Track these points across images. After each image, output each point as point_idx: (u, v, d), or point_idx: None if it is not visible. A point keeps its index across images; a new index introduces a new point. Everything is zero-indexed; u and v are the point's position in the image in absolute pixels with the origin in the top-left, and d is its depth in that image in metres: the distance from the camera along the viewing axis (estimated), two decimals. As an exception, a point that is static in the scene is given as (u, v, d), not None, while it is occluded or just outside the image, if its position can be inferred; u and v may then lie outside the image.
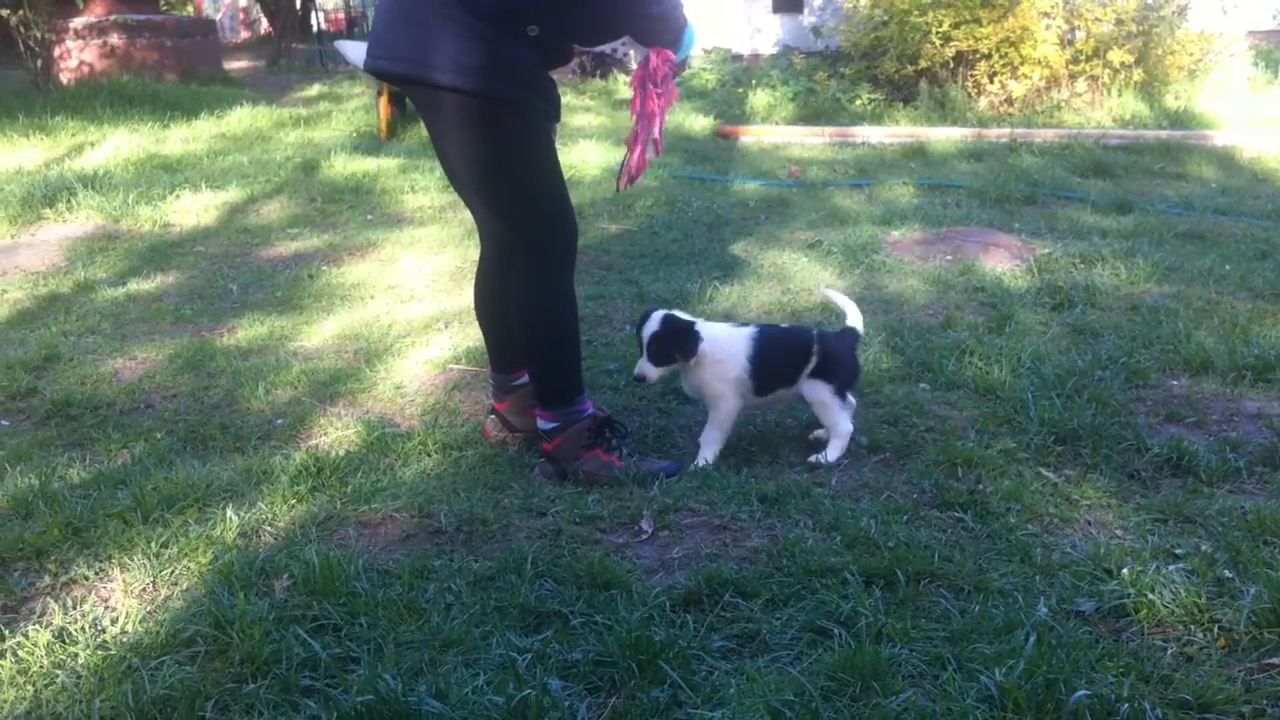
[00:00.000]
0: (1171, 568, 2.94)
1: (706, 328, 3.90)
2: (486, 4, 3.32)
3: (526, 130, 3.52)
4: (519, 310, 3.71)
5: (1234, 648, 2.63)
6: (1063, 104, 13.50)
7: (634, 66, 14.52)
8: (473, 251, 4.41)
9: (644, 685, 2.51)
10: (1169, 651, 2.62)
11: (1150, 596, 2.79)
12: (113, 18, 16.00)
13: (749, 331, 3.95)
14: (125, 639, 2.76)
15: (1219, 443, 3.88)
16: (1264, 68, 14.48)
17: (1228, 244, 7.05)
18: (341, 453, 3.95)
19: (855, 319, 4.08)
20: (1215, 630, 2.69)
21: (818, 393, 3.90)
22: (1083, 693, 2.37)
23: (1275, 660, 2.55)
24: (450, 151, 3.65)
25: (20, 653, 2.69)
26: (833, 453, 3.88)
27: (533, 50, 3.43)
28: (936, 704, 2.40)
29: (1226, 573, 2.94)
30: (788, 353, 3.93)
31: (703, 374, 3.87)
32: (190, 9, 35.91)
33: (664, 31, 3.59)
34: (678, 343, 3.82)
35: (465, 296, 4.67)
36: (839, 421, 3.90)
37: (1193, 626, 2.71)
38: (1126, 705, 2.35)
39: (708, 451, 3.90)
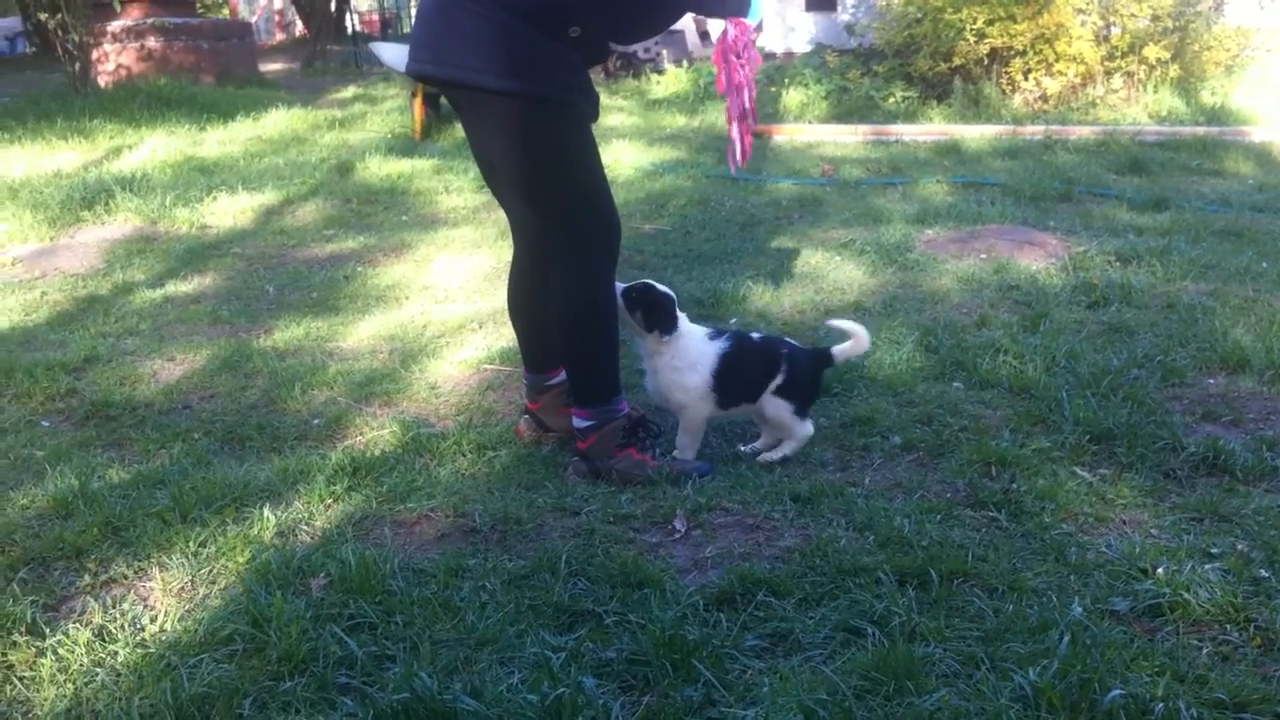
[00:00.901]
0: (1207, 567, 2.93)
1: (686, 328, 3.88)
2: (529, 6, 3.33)
3: (572, 130, 3.54)
4: (561, 308, 3.72)
5: (1270, 647, 2.62)
6: (1098, 100, 13.42)
7: (666, 66, 14.49)
8: (507, 252, 4.43)
9: (677, 684, 2.52)
10: (1204, 651, 2.61)
11: (1186, 596, 2.77)
12: (150, 21, 16.17)
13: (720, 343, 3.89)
14: (164, 637, 2.79)
15: (1255, 441, 3.85)
16: (1302, 63, 14.36)
17: (1265, 241, 6.99)
18: (377, 452, 3.98)
19: (849, 346, 3.98)
20: (1251, 629, 2.67)
21: (777, 410, 3.89)
22: (1117, 692, 2.36)
23: (1312, 660, 2.54)
24: (494, 153, 3.67)
25: (61, 651, 2.72)
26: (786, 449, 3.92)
27: (574, 51, 3.45)
28: (970, 703, 2.39)
29: (1263, 572, 2.93)
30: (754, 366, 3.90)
31: (664, 380, 3.86)
32: (226, 11, 36.21)
33: (723, 2, 3.60)
34: (652, 311, 3.81)
35: (499, 297, 4.68)
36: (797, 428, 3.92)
37: (1228, 626, 2.70)
38: (1161, 705, 2.34)
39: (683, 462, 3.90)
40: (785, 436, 3.92)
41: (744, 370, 3.86)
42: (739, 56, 3.68)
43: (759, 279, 6.20)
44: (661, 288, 3.89)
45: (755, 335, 4.01)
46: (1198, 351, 4.79)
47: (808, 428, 3.91)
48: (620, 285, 3.80)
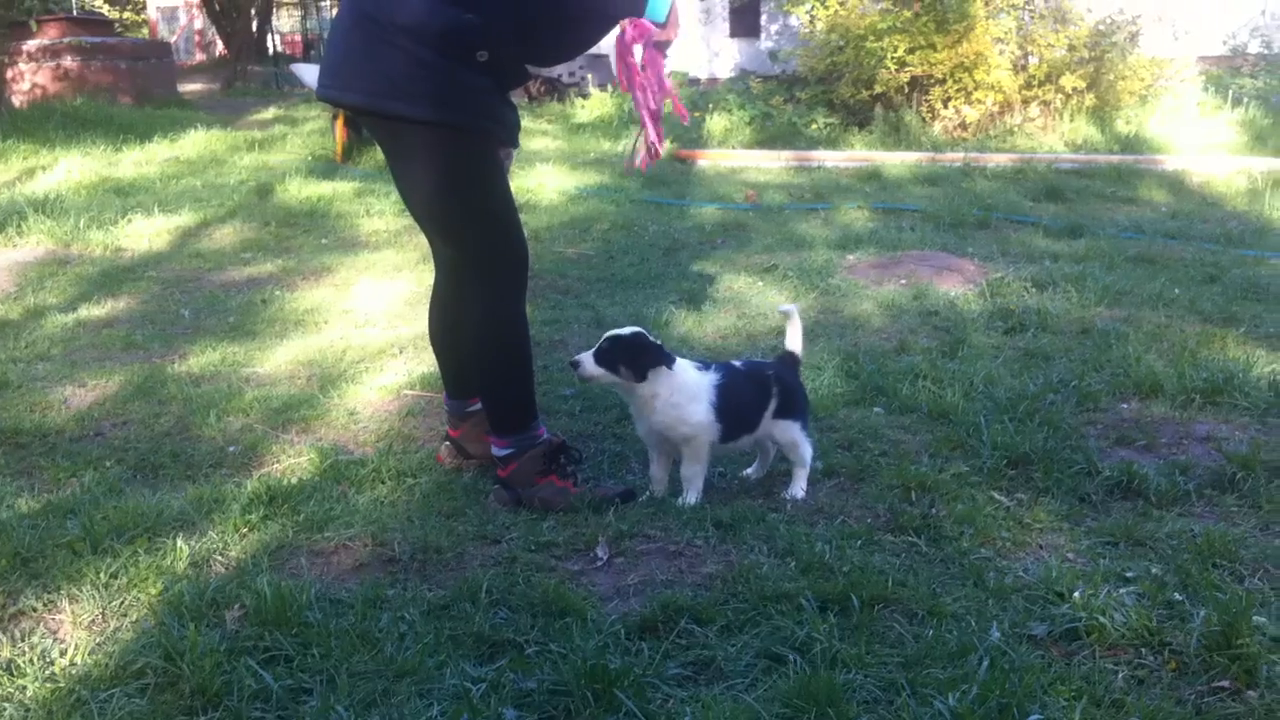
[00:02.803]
0: (1122, 591, 2.97)
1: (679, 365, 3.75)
2: (433, 32, 3.30)
3: (476, 157, 3.51)
4: (471, 335, 3.70)
5: (1184, 670, 2.65)
6: (1016, 129, 13.65)
7: (591, 90, 14.45)
8: (428, 276, 4.40)
9: (599, 714, 2.50)
10: (1120, 674, 2.63)
11: (1101, 619, 2.80)
12: (67, 40, 15.95)
13: (712, 375, 3.78)
14: (74, 671, 2.72)
15: (1169, 466, 3.92)
16: (1214, 93, 14.72)
17: (1177, 268, 7.14)
18: (294, 480, 3.92)
19: (795, 342, 3.97)
20: (1166, 653, 2.71)
21: (789, 433, 3.83)
22: (1035, 717, 2.39)
23: (1225, 683, 2.57)
24: (402, 178, 3.64)
25: (-34, 686, 2.65)
26: (802, 485, 3.84)
27: (483, 76, 3.42)
28: (891, 730, 2.40)
29: (1176, 595, 2.97)
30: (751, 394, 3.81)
31: (667, 416, 3.71)
32: (145, 31, 35.78)
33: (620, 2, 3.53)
34: (631, 358, 3.67)
35: (420, 322, 4.65)
36: (805, 454, 3.87)
37: (1143, 649, 2.73)
38: (1079, 729, 2.37)
39: (692, 492, 3.78)
40: (794, 458, 3.86)
41: (741, 399, 3.77)
42: (636, 59, 3.62)
43: (683, 304, 6.22)
44: (628, 331, 3.74)
45: (737, 363, 3.94)
46: (1112, 377, 4.87)
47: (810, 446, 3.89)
48: (588, 355, 3.67)
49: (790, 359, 3.96)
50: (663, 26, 3.55)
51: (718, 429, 3.73)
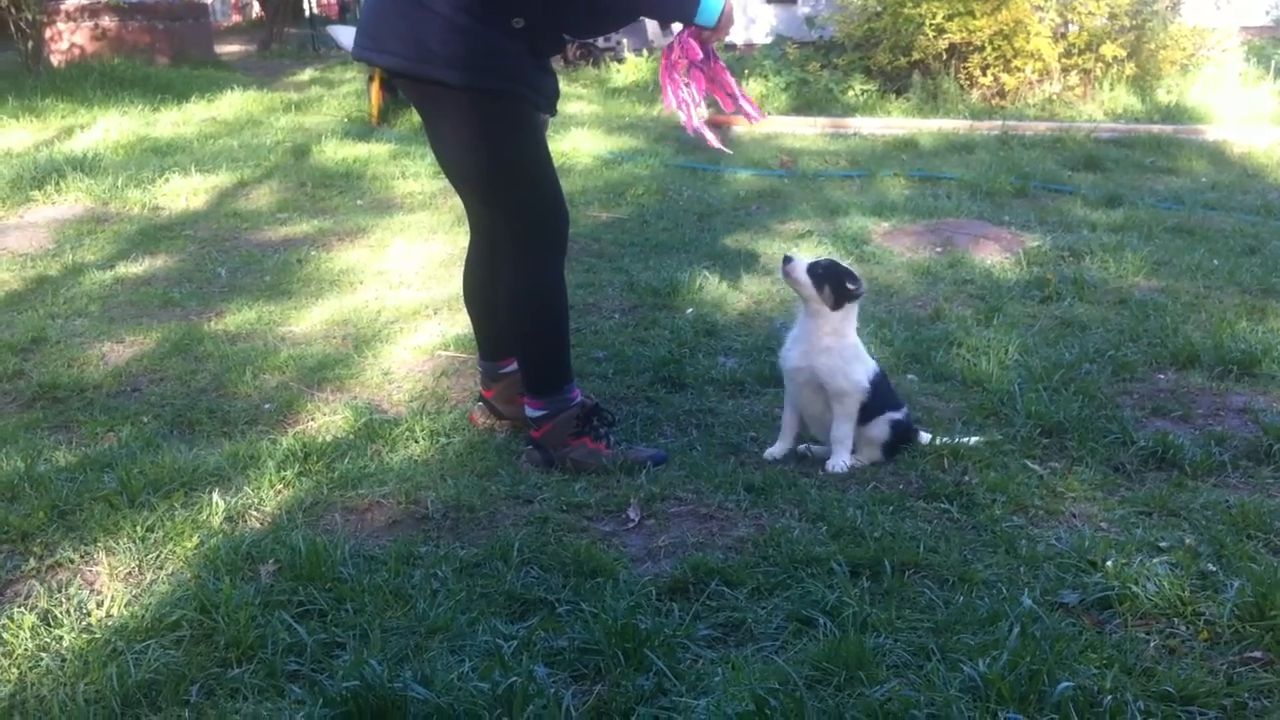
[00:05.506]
0: (1155, 560, 2.96)
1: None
2: None
3: (513, 122, 3.50)
4: (509, 298, 3.71)
5: (1216, 641, 2.64)
6: (1055, 97, 13.49)
7: (626, 55, 14.33)
8: (463, 238, 4.41)
9: (629, 673, 2.51)
10: (1152, 644, 2.63)
11: (1134, 589, 2.80)
12: (104, 0, 15.96)
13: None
14: (110, 622, 2.76)
15: (1204, 436, 3.89)
16: (1256, 63, 14.49)
17: (1216, 239, 7.06)
18: (329, 438, 3.94)
19: None
20: (1198, 623, 2.70)
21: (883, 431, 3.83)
22: (1066, 684, 2.38)
23: (1257, 654, 2.57)
24: (438, 142, 3.65)
25: (5, 635, 2.68)
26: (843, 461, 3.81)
27: (518, 41, 3.41)
28: (920, 694, 2.40)
29: (1210, 566, 2.96)
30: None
31: (834, 362, 3.73)
32: (182, -8, 35.71)
33: (670, 5, 3.52)
34: (837, 281, 3.71)
35: (455, 283, 4.66)
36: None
37: (1176, 619, 2.72)
38: (1110, 697, 2.36)
39: (844, 455, 3.79)
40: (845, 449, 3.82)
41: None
42: (682, 75, 3.58)
43: (716, 269, 6.19)
44: (845, 264, 3.83)
45: None
46: (1148, 347, 4.84)
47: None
48: (805, 260, 3.74)
49: None
50: (713, 30, 3.51)
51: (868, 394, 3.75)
